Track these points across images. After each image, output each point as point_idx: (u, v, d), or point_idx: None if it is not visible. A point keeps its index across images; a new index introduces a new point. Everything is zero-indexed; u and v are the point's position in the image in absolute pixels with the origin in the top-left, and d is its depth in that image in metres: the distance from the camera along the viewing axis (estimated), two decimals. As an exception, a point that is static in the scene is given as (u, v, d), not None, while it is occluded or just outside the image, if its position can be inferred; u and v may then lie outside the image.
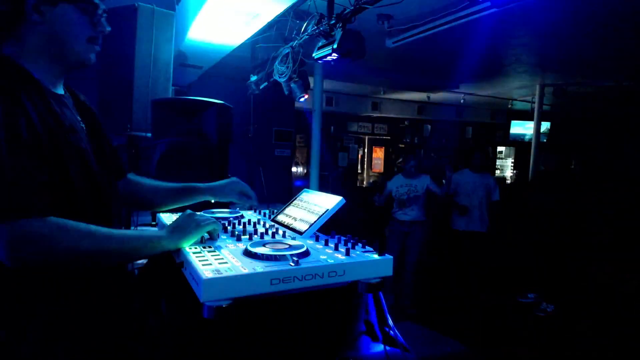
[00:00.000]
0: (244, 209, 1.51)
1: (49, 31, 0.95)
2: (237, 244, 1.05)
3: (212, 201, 1.48)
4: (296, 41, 3.49)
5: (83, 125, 1.04)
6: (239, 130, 5.71)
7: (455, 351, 3.34)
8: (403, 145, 10.93)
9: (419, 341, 3.59)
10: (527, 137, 10.57)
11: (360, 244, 1.08)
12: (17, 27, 0.94)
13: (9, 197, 0.78)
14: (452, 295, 4.57)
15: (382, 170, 10.60)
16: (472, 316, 4.11)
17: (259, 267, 0.87)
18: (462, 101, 8.94)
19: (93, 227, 0.87)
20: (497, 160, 11.94)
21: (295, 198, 1.45)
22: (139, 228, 2.93)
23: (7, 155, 0.79)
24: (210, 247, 1.01)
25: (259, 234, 1.17)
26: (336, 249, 1.05)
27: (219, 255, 0.94)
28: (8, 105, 0.83)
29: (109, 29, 1.05)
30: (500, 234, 4.91)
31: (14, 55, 0.94)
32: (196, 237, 1.02)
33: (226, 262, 0.89)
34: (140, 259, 0.97)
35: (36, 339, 0.86)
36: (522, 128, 11.06)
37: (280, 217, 1.37)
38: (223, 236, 1.13)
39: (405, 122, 10.77)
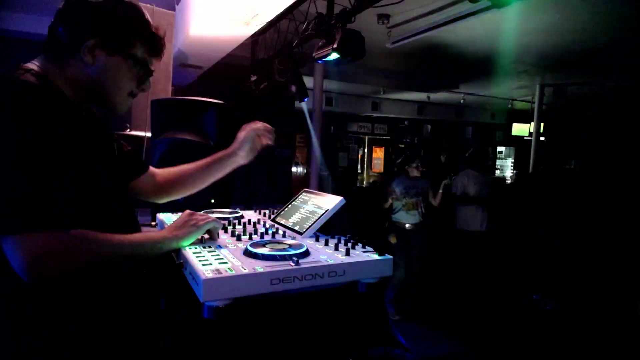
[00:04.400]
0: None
1: (95, 75, 0.96)
2: (237, 244, 1.05)
3: (212, 201, 1.48)
4: (296, 41, 3.49)
5: (97, 133, 1.06)
6: (239, 130, 5.71)
7: (456, 351, 3.35)
8: (403, 145, 10.93)
9: (419, 341, 3.60)
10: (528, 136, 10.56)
11: (360, 244, 1.08)
12: (65, 57, 0.95)
13: (37, 209, 0.77)
14: (453, 295, 4.57)
15: (382, 170, 10.60)
16: (473, 315, 4.11)
17: (259, 267, 0.87)
18: (462, 101, 8.95)
19: (108, 235, 0.88)
20: (497, 160, 11.94)
21: (295, 198, 1.45)
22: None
23: (41, 167, 0.79)
24: (210, 247, 1.01)
25: (259, 234, 1.17)
26: (336, 249, 1.05)
27: (219, 255, 0.94)
28: (51, 118, 0.83)
29: (149, 89, 1.08)
30: (500, 234, 4.92)
31: (47, 74, 0.94)
32: (196, 236, 1.02)
33: (226, 262, 0.89)
34: (146, 261, 0.98)
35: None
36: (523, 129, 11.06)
37: (280, 217, 1.37)
38: (223, 236, 1.13)
39: (405, 122, 10.77)
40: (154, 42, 1.04)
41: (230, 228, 1.18)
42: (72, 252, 0.80)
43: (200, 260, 0.89)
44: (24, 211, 0.76)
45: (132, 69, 1.00)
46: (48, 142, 0.81)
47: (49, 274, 0.79)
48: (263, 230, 1.20)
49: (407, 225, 4.20)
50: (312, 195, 1.39)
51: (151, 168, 1.35)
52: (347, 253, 1.00)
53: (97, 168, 0.95)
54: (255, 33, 3.76)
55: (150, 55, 1.04)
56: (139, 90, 1.06)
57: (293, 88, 3.77)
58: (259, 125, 1.39)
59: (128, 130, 2.91)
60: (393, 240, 4.24)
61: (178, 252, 0.99)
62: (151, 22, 1.03)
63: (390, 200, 4.29)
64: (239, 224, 1.27)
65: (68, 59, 0.95)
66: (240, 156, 1.37)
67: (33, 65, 0.94)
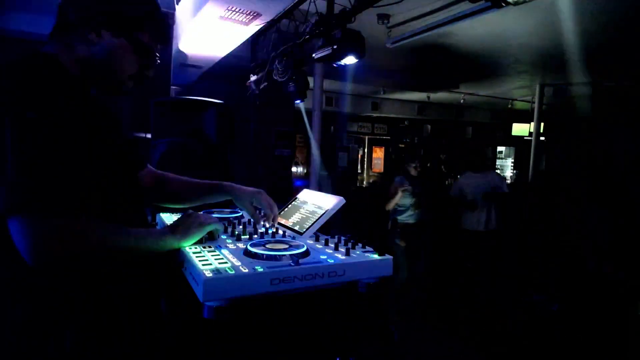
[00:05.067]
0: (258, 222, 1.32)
1: (99, 54, 0.96)
2: (237, 244, 1.05)
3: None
4: (296, 41, 3.49)
5: (107, 120, 1.06)
6: (239, 130, 5.72)
7: (456, 351, 3.35)
8: (403, 145, 10.93)
9: (419, 341, 3.59)
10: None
11: (360, 244, 1.08)
12: (71, 36, 0.95)
13: (50, 194, 0.77)
14: (456, 295, 4.57)
15: (382, 170, 10.60)
16: (476, 316, 4.11)
17: (259, 267, 0.87)
18: (462, 101, 8.94)
19: (114, 226, 0.88)
20: (497, 160, 11.94)
21: (295, 198, 1.45)
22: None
23: (58, 153, 0.79)
24: (210, 247, 1.01)
25: (259, 234, 1.17)
26: (336, 249, 1.05)
27: (219, 255, 0.94)
28: (64, 103, 0.83)
29: (152, 75, 1.07)
30: (502, 234, 4.92)
31: (59, 57, 0.94)
32: (198, 237, 1.02)
33: (226, 262, 0.89)
34: (147, 257, 0.98)
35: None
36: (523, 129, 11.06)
37: (280, 217, 1.37)
38: (223, 236, 1.13)
39: (405, 122, 10.77)
40: (161, 28, 1.04)
41: (230, 228, 1.19)
42: (78, 238, 0.80)
43: (200, 260, 0.89)
44: (34, 192, 0.76)
45: (136, 52, 1.00)
46: (61, 125, 0.81)
47: (53, 258, 0.79)
48: (263, 230, 1.20)
49: (410, 225, 4.21)
50: (312, 195, 1.39)
51: (150, 168, 1.35)
52: (347, 253, 1.00)
53: (108, 154, 0.95)
54: (255, 33, 3.75)
55: (156, 41, 1.04)
56: (142, 76, 1.06)
57: (292, 88, 3.76)
58: (273, 206, 1.29)
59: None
60: (402, 243, 4.23)
61: (178, 252, 0.99)
62: (160, 8, 1.03)
63: (397, 198, 4.22)
64: (239, 224, 1.27)
65: (75, 38, 0.95)
66: (235, 200, 1.33)
67: (45, 50, 0.95)
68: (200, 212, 1.12)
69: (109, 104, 1.11)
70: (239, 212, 1.46)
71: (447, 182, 4.53)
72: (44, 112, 0.80)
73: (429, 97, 8.91)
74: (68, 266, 0.85)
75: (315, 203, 1.31)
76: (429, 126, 11.14)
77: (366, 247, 1.07)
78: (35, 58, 0.91)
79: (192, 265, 0.87)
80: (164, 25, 1.04)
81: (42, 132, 0.78)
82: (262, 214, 1.29)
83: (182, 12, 3.96)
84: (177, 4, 4.02)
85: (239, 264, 0.89)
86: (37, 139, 0.78)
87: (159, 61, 1.07)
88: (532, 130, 7.66)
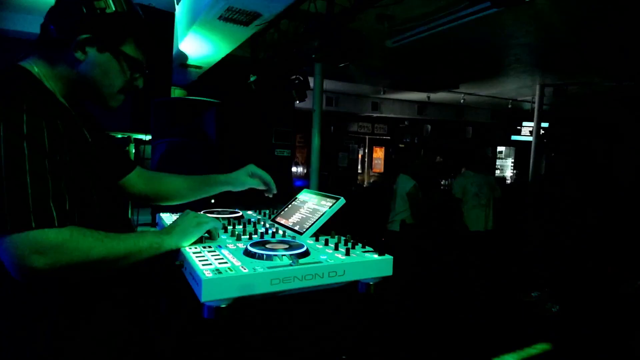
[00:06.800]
0: (267, 194, 1.47)
1: (85, 71, 0.95)
2: (237, 244, 1.05)
3: (212, 201, 1.48)
4: (296, 41, 3.49)
5: (86, 133, 1.04)
6: (239, 130, 5.72)
7: (456, 351, 3.32)
8: (403, 145, 10.93)
9: (419, 341, 3.58)
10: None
11: (360, 244, 1.08)
12: (55, 54, 0.94)
13: (21, 208, 0.76)
14: (454, 295, 4.57)
15: (382, 170, 10.60)
16: (476, 316, 4.11)
17: (259, 267, 0.87)
18: (462, 101, 8.94)
19: (102, 233, 0.87)
20: (497, 160, 11.94)
21: (295, 198, 1.45)
22: (138, 229, 2.93)
23: (26, 166, 0.78)
24: (210, 247, 1.01)
25: (259, 234, 1.17)
26: (336, 249, 1.05)
27: (219, 255, 0.94)
28: (32, 115, 0.82)
29: (142, 86, 1.07)
30: (502, 233, 4.92)
31: (36, 71, 0.94)
32: (197, 236, 1.02)
33: (226, 262, 0.89)
34: (143, 259, 0.97)
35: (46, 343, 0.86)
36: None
37: (280, 217, 1.37)
38: (223, 236, 1.13)
39: (405, 122, 10.77)
40: (145, 38, 1.03)
41: (230, 228, 1.18)
42: (60, 250, 0.79)
43: (200, 260, 0.89)
44: (9, 210, 0.76)
45: (122, 66, 0.99)
46: (31, 138, 0.80)
47: (38, 273, 0.78)
48: (263, 230, 1.20)
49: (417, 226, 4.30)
50: (312, 195, 1.39)
51: (141, 169, 1.33)
52: (347, 253, 1.00)
53: (85, 164, 0.93)
54: (255, 33, 3.75)
55: (142, 53, 1.03)
56: (131, 88, 1.05)
57: (292, 88, 3.77)
58: (268, 182, 1.43)
59: (129, 130, 2.91)
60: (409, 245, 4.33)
61: (178, 252, 0.99)
62: (143, 18, 1.02)
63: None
64: (239, 224, 1.27)
65: (58, 56, 0.94)
66: (233, 185, 1.41)
67: (21, 63, 0.94)
68: (200, 212, 1.12)
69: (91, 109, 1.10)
70: (239, 212, 1.46)
71: (442, 182, 4.56)
72: (10, 128, 0.78)
73: (429, 97, 8.91)
74: (57, 277, 0.84)
75: (315, 203, 1.31)
76: (429, 126, 11.15)
77: (366, 247, 1.07)
78: (6, 72, 0.90)
79: (192, 266, 0.87)
80: (148, 34, 1.03)
81: (9, 146, 0.77)
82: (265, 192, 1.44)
83: (182, 12, 3.96)
84: (177, 4, 4.02)
85: (239, 264, 0.88)
86: (4, 154, 0.77)
87: (147, 71, 1.06)
88: (532, 130, 7.67)
